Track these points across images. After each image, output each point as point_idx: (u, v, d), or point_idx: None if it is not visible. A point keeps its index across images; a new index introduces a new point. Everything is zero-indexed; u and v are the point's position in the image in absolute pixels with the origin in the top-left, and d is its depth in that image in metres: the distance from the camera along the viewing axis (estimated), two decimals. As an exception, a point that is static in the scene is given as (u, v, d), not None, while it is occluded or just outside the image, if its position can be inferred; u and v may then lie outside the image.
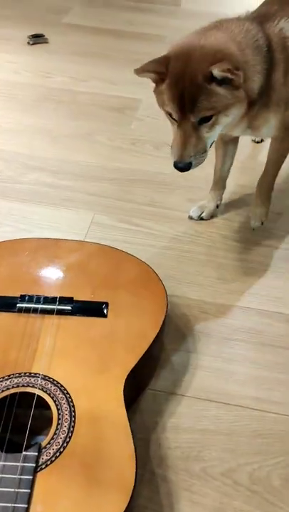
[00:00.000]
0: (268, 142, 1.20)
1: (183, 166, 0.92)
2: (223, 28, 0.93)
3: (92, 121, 1.64)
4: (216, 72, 0.83)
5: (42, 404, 0.75)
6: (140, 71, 0.90)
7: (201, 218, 1.28)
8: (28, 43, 2.05)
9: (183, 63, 0.86)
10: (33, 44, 2.05)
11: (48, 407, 0.74)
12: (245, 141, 1.47)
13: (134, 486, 0.64)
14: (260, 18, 0.98)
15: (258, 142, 1.57)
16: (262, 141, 1.56)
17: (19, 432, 0.73)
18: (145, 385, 0.91)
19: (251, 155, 1.53)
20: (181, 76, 0.86)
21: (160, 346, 0.95)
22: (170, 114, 0.91)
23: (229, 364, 0.97)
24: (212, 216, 1.29)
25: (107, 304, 0.89)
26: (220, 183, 1.28)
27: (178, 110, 0.88)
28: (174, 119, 0.91)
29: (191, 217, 1.28)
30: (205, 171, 1.41)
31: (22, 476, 0.64)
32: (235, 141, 1.23)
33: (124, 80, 1.88)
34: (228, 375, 0.95)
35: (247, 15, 1.02)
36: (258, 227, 1.26)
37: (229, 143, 1.22)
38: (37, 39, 2.06)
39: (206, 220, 1.28)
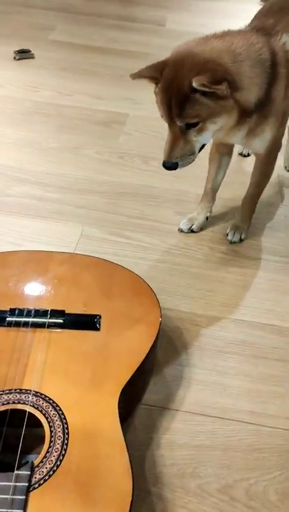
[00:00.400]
0: (253, 158, 1.21)
1: (170, 165, 0.96)
2: (225, 39, 0.94)
3: (80, 135, 1.64)
4: (194, 84, 0.85)
5: (33, 421, 0.72)
6: (136, 76, 0.94)
7: (191, 231, 1.28)
8: (14, 58, 2.05)
9: (174, 70, 0.89)
10: (19, 59, 2.05)
11: (39, 425, 0.72)
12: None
13: (131, 505, 0.62)
14: (264, 31, 1.00)
15: (244, 156, 1.58)
16: (248, 155, 1.57)
17: (9, 451, 0.71)
18: (138, 399, 0.89)
19: (238, 169, 1.54)
20: (171, 82, 0.89)
21: (153, 359, 0.93)
22: (162, 116, 0.95)
23: (223, 377, 0.96)
24: (201, 228, 1.29)
25: (99, 317, 0.87)
26: (211, 194, 1.28)
27: (167, 114, 0.92)
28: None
29: (181, 230, 1.28)
30: (193, 184, 1.43)
31: (15, 496, 0.61)
32: (229, 154, 1.25)
33: (111, 95, 1.88)
34: (222, 388, 0.94)
35: (251, 27, 1.04)
36: (235, 242, 1.26)
37: (224, 156, 1.23)
38: (23, 54, 2.06)
39: (196, 232, 1.28)
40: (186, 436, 0.85)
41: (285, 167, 1.55)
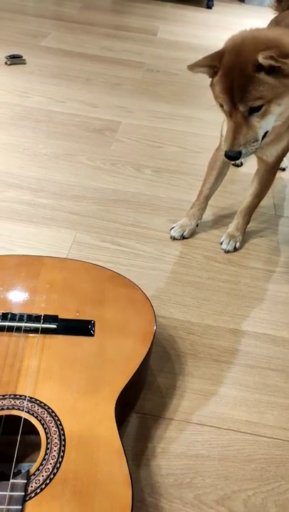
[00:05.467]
0: (248, 168, 1.21)
1: (233, 154, 0.94)
2: (278, 28, 0.97)
3: (72, 142, 1.62)
4: (261, 59, 0.84)
5: (27, 428, 0.70)
6: (193, 66, 0.93)
7: (183, 237, 1.27)
8: (6, 63, 2.04)
9: (235, 54, 0.88)
10: (10, 64, 2.04)
11: (33, 432, 0.69)
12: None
13: (132, 510, 0.60)
14: None
15: (237, 166, 1.58)
16: (241, 164, 1.58)
17: (2, 460, 0.68)
18: (132, 407, 0.87)
19: (231, 180, 1.54)
20: (232, 67, 0.88)
21: (147, 367, 0.91)
22: (222, 106, 0.93)
23: (218, 386, 0.94)
24: (192, 234, 1.28)
25: (93, 323, 0.85)
26: (204, 202, 1.27)
27: (228, 101, 0.90)
28: (226, 111, 0.93)
29: (174, 238, 1.27)
30: (186, 192, 1.42)
31: (10, 507, 0.58)
32: (229, 164, 1.24)
33: (104, 103, 1.88)
34: (217, 397, 0.92)
35: None
36: (230, 251, 1.25)
37: (225, 165, 1.23)
38: (14, 60, 2.05)
39: (187, 238, 1.27)
40: (182, 446, 0.83)
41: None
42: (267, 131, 0.97)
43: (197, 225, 1.29)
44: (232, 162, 1.58)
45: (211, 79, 0.97)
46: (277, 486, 0.80)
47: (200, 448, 0.83)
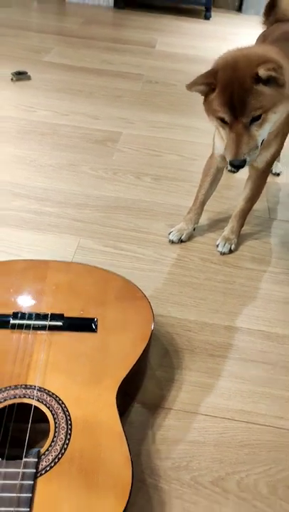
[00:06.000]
0: (242, 174, 1.28)
1: (238, 163, 1.01)
2: (263, 45, 1.07)
3: (75, 153, 1.71)
4: (262, 71, 0.93)
5: (37, 417, 0.77)
6: (191, 85, 1.01)
7: (180, 241, 1.34)
8: (12, 79, 2.13)
9: (230, 71, 0.97)
10: (16, 80, 2.13)
11: (43, 420, 0.76)
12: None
13: (131, 491, 0.67)
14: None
15: (233, 172, 1.65)
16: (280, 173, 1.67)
17: (15, 445, 0.75)
18: (133, 398, 0.94)
19: (226, 185, 1.61)
20: (230, 82, 0.96)
21: (146, 361, 0.98)
22: (222, 119, 1.01)
23: (214, 379, 1.01)
24: (189, 238, 1.36)
25: (96, 320, 0.92)
26: (200, 207, 1.35)
27: (229, 113, 0.98)
28: (225, 123, 1.01)
29: (172, 241, 1.34)
30: (184, 198, 1.49)
31: (23, 482, 0.65)
32: (222, 170, 1.32)
33: (105, 115, 1.96)
34: (213, 389, 0.99)
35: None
36: (225, 253, 1.32)
37: (219, 171, 1.31)
38: (20, 76, 2.14)
39: (184, 241, 1.34)
40: (180, 433, 0.90)
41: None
42: (264, 139, 1.05)
43: (194, 229, 1.36)
44: (228, 169, 1.66)
45: (204, 97, 1.05)
46: (268, 469, 0.86)
47: (196, 435, 0.90)
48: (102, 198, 1.50)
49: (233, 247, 1.32)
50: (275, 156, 1.19)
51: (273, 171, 1.69)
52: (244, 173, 1.38)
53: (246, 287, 1.24)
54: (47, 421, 0.76)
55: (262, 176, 1.27)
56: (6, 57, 2.36)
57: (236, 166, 1.02)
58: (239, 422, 0.93)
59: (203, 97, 1.05)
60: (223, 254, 1.32)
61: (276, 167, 1.70)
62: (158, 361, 1.02)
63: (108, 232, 1.36)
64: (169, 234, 1.35)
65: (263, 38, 1.36)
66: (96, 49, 2.59)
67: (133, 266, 1.26)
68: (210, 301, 1.19)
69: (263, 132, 1.02)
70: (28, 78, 2.15)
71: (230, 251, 1.32)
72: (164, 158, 1.73)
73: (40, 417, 0.77)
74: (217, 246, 1.33)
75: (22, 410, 0.77)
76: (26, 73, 2.15)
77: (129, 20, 3.13)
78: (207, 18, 3.30)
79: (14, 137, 1.76)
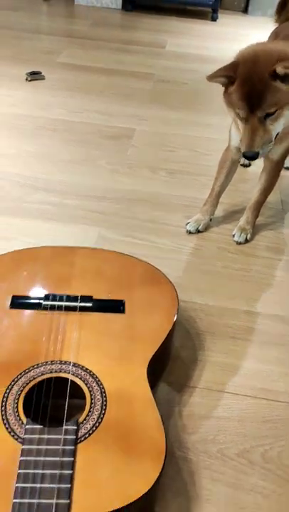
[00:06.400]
0: (255, 167, 1.32)
1: (252, 155, 1.05)
2: (279, 39, 1.12)
3: (90, 148, 1.75)
4: (280, 69, 0.96)
5: (72, 391, 0.81)
6: (211, 77, 1.05)
7: (198, 231, 1.39)
8: (26, 79, 2.18)
9: (251, 65, 1.01)
10: (30, 80, 2.18)
11: (77, 396, 0.80)
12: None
13: (166, 452, 0.70)
14: None
15: (245, 166, 1.70)
16: (250, 165, 1.69)
17: (52, 420, 0.79)
18: (159, 377, 0.97)
19: (241, 179, 1.65)
20: (249, 77, 1.00)
21: (172, 341, 1.02)
22: (238, 113, 1.05)
23: (236, 360, 1.05)
24: (206, 228, 1.40)
25: (123, 302, 0.96)
26: (216, 199, 1.39)
27: (246, 107, 1.02)
28: (241, 117, 1.05)
29: (189, 232, 1.38)
30: (199, 191, 1.53)
31: (65, 447, 0.69)
32: (238, 162, 1.36)
33: (118, 112, 2.01)
34: (235, 369, 1.03)
35: None
36: (241, 243, 1.36)
37: (235, 163, 1.35)
38: (34, 76, 2.18)
39: (202, 232, 1.39)
40: (205, 409, 0.94)
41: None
42: (278, 133, 1.09)
43: (211, 220, 1.40)
44: (240, 163, 1.70)
45: (224, 88, 1.09)
46: (291, 442, 0.90)
47: (221, 411, 0.94)
48: (120, 191, 1.54)
49: (248, 236, 1.36)
50: (287, 150, 1.23)
51: (285, 165, 1.72)
52: (258, 166, 1.42)
53: (263, 274, 1.28)
54: (81, 397, 0.79)
55: (276, 168, 1.31)
56: (19, 58, 2.41)
57: (249, 157, 1.07)
58: (261, 400, 0.97)
59: (224, 89, 1.09)
60: (239, 243, 1.36)
61: (287, 162, 1.73)
62: (182, 343, 1.06)
63: (127, 223, 1.41)
64: (187, 225, 1.39)
65: (275, 35, 1.40)
66: (106, 50, 2.64)
67: (153, 255, 1.30)
68: (228, 287, 1.22)
69: (277, 127, 1.06)
70: (42, 78, 2.20)
71: (246, 240, 1.36)
72: (178, 154, 1.77)
73: (75, 392, 0.81)
74: (233, 236, 1.37)
75: (58, 386, 0.81)
76: (40, 73, 2.20)
77: (137, 22, 3.18)
78: (214, 19, 3.35)
79: (30, 134, 1.81)
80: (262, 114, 1.03)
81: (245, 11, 3.61)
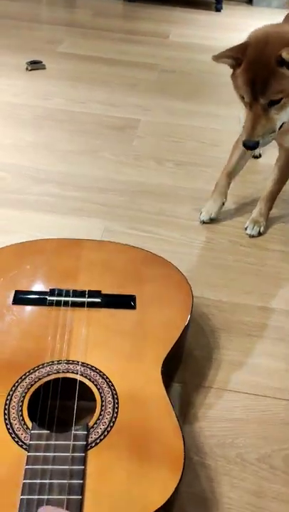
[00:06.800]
0: (266, 158, 1.26)
1: (251, 144, 0.99)
2: None
3: (94, 139, 1.69)
4: (285, 54, 0.89)
5: (81, 392, 0.75)
6: (218, 57, 0.99)
7: (211, 220, 1.33)
8: (27, 68, 2.11)
9: (259, 48, 0.94)
10: (31, 70, 2.11)
11: (86, 398, 0.74)
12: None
13: (185, 460, 0.64)
14: None
15: (256, 157, 1.64)
16: (260, 156, 1.63)
17: (59, 423, 0.73)
18: (173, 377, 0.91)
19: (252, 171, 1.58)
20: (255, 61, 0.94)
21: (186, 339, 0.96)
22: (243, 97, 0.98)
23: (251, 358, 0.99)
24: (218, 215, 1.35)
25: (134, 297, 0.90)
26: (227, 181, 1.32)
27: (250, 93, 0.96)
28: (245, 102, 0.98)
29: (203, 222, 1.32)
30: (208, 183, 1.47)
31: (74, 454, 0.63)
32: None
33: (122, 103, 1.94)
34: (251, 368, 0.97)
35: None
36: (254, 236, 1.30)
37: None
38: (35, 65, 2.12)
39: (216, 219, 1.34)
40: (221, 411, 0.88)
41: None
42: (284, 123, 1.02)
43: (223, 204, 1.34)
44: (251, 154, 1.64)
45: (232, 70, 1.02)
46: (314, 446, 0.84)
47: (239, 413, 0.88)
48: (125, 183, 1.47)
49: (262, 229, 1.30)
50: None
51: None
52: (270, 157, 1.36)
53: (277, 269, 1.22)
54: (90, 399, 0.73)
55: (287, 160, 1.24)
56: (20, 48, 2.34)
57: (249, 147, 1.00)
58: (281, 400, 0.91)
59: (232, 71, 1.02)
60: (252, 236, 1.29)
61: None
62: (195, 341, 1.00)
63: (134, 215, 1.34)
64: (200, 215, 1.33)
65: (287, 18, 1.34)
66: (109, 40, 2.57)
67: (161, 248, 1.23)
68: (242, 282, 1.16)
69: (282, 116, 0.99)
70: (43, 67, 2.13)
71: (260, 233, 1.30)
72: (185, 145, 1.71)
73: (83, 394, 0.75)
74: (246, 229, 1.31)
75: (65, 387, 0.75)
76: (41, 62, 2.14)
77: (140, 13, 3.11)
78: (218, 10, 3.28)
79: (31, 124, 1.74)
80: (266, 102, 0.96)
81: (250, 1, 3.54)
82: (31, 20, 2.71)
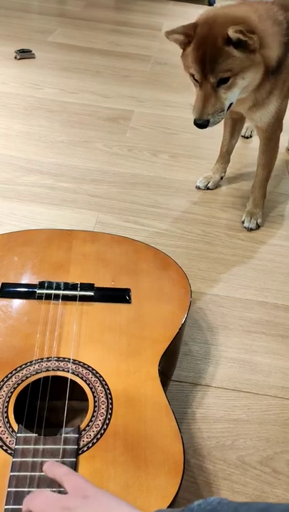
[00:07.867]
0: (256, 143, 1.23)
1: (202, 122, 1.01)
2: (247, 4, 1.03)
3: (87, 130, 1.63)
4: (231, 32, 0.90)
5: (71, 392, 0.70)
6: (170, 32, 0.99)
7: (207, 188, 1.36)
8: (16, 57, 2.05)
9: (207, 28, 0.95)
10: (20, 59, 2.05)
11: (76, 398, 0.69)
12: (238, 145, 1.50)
13: (184, 466, 0.60)
14: (284, 7, 1.05)
15: (247, 137, 1.63)
16: (251, 136, 1.63)
17: (48, 425, 0.68)
18: (169, 376, 0.87)
19: (246, 164, 1.54)
20: (204, 39, 0.94)
21: (182, 335, 0.91)
22: (193, 76, 1.00)
23: (252, 355, 0.94)
24: (216, 186, 1.38)
25: (129, 291, 0.85)
26: (226, 156, 1.36)
27: (199, 71, 0.97)
28: (196, 81, 1.00)
29: (198, 188, 1.37)
30: (202, 175, 1.42)
31: (65, 459, 0.58)
32: (242, 121, 1.31)
33: (115, 93, 1.89)
34: (252, 365, 0.92)
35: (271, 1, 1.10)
36: (252, 229, 1.26)
37: (237, 122, 1.30)
38: (24, 54, 2.06)
39: (212, 189, 1.37)
40: (221, 411, 0.83)
41: (288, 148, 1.59)
42: (232, 103, 1.03)
43: (221, 178, 1.38)
44: (242, 134, 1.61)
45: (182, 50, 1.02)
46: None
47: (239, 412, 0.83)
48: (119, 174, 1.42)
49: (259, 221, 1.26)
50: (279, 114, 1.14)
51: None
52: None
53: (276, 263, 1.17)
54: (82, 399, 0.68)
55: (271, 138, 1.21)
56: (9, 37, 2.28)
57: (200, 125, 1.02)
58: (283, 400, 0.87)
59: (181, 51, 1.02)
60: (250, 230, 1.25)
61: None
62: (192, 337, 0.96)
63: (128, 207, 1.29)
64: (197, 181, 1.38)
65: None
66: (101, 31, 2.51)
67: (156, 241, 1.19)
68: (240, 277, 1.12)
69: (230, 96, 1.00)
70: (33, 56, 2.07)
71: (258, 226, 1.26)
72: (180, 136, 1.66)
73: (75, 394, 0.70)
74: (243, 222, 1.26)
75: (55, 386, 0.70)
76: (30, 51, 2.07)
77: (132, 5, 3.05)
78: (211, 4, 3.23)
79: (22, 114, 1.68)
80: (214, 80, 0.97)
81: (243, -4, 3.49)
82: (21, 10, 2.64)
